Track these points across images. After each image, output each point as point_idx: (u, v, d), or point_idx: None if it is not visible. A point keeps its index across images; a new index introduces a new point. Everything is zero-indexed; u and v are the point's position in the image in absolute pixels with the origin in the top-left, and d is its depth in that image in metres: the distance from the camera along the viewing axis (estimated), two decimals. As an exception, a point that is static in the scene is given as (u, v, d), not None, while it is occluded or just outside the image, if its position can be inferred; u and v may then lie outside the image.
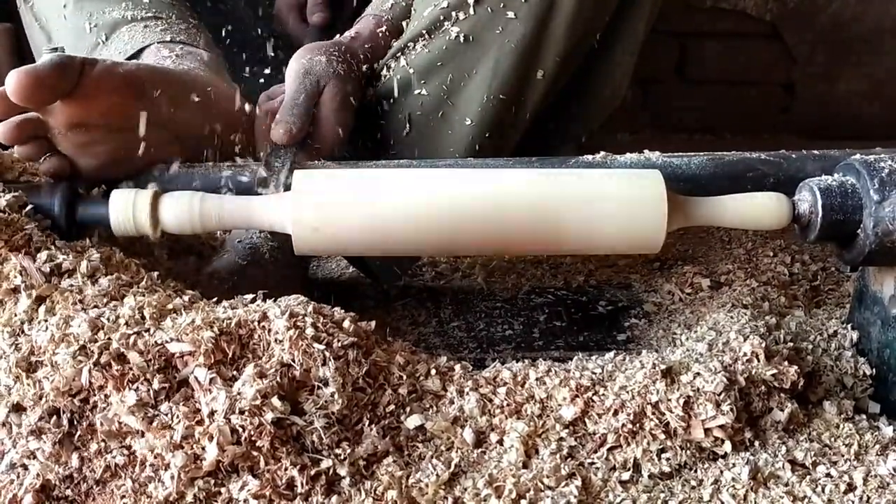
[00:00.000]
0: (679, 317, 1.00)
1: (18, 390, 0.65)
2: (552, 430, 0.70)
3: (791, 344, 0.83)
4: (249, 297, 0.74)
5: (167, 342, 0.66)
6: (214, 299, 0.74)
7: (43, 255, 0.73)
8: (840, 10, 1.86)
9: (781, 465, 0.70)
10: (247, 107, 0.92)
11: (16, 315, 0.69)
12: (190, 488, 0.63)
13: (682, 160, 0.86)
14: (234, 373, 0.67)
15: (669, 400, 0.70)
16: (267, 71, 1.10)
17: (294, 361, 0.67)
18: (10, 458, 0.64)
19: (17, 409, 0.65)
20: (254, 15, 1.22)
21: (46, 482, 0.64)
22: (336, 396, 0.67)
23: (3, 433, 0.65)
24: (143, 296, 0.72)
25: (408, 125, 0.97)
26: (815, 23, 1.87)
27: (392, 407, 0.70)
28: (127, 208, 0.76)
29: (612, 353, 0.77)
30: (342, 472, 0.66)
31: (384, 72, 0.98)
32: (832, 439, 0.74)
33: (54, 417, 0.65)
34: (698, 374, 0.72)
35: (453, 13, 0.94)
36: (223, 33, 1.11)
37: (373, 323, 0.74)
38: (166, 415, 0.65)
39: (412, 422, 0.70)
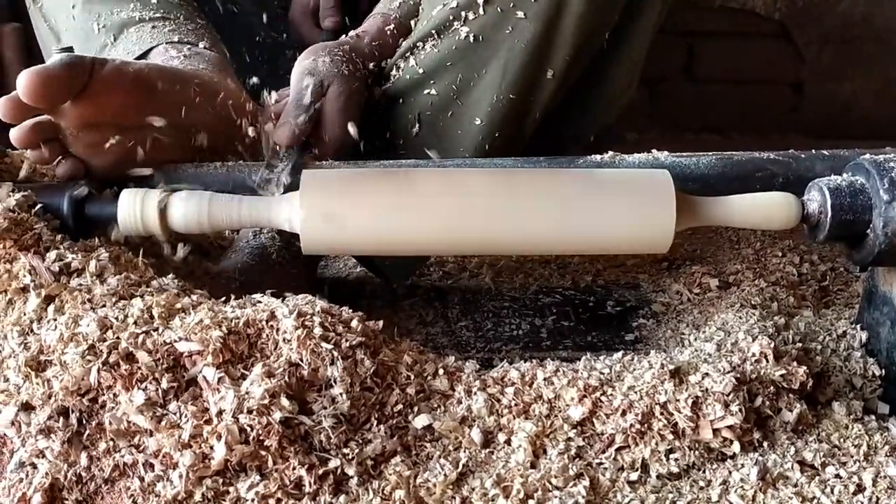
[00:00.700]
0: (687, 317, 1.00)
1: (27, 389, 0.66)
2: (560, 430, 0.70)
3: (800, 344, 0.82)
4: (258, 296, 0.74)
5: (176, 341, 0.67)
6: (223, 299, 0.74)
7: (52, 255, 0.73)
8: (849, 9, 1.86)
9: (790, 466, 0.70)
10: (253, 107, 0.92)
11: (25, 314, 0.70)
12: (198, 487, 0.63)
13: (690, 160, 0.85)
14: (243, 372, 0.67)
15: (678, 400, 0.70)
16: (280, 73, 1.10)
17: (302, 361, 0.67)
18: (19, 457, 0.65)
19: (27, 408, 0.65)
20: (261, 18, 1.22)
21: (55, 481, 0.64)
22: (344, 396, 0.67)
23: (13, 432, 0.65)
24: (152, 295, 0.72)
25: (417, 125, 0.97)
26: (824, 22, 1.87)
27: (400, 406, 0.70)
28: (136, 208, 0.76)
29: (620, 354, 0.77)
30: (350, 471, 0.66)
31: (393, 71, 0.98)
32: (841, 440, 0.73)
33: (63, 416, 0.65)
34: (707, 374, 0.72)
35: (463, 13, 0.94)
36: (232, 35, 1.11)
37: (380, 322, 0.74)
38: (175, 414, 0.65)
39: (420, 421, 0.70)
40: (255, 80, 0.96)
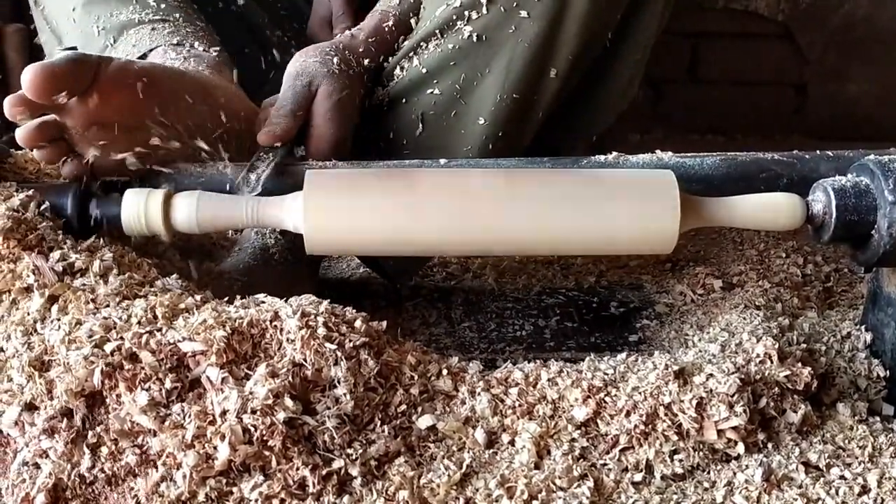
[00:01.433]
0: (691, 318, 1.00)
1: (31, 389, 0.66)
2: (564, 430, 0.70)
3: (804, 345, 0.82)
4: (261, 296, 0.74)
5: (179, 341, 0.66)
6: (226, 299, 0.74)
7: (56, 255, 0.73)
8: (852, 10, 1.85)
9: (795, 467, 0.70)
10: (252, 109, 0.92)
11: (28, 314, 0.70)
12: (202, 488, 0.63)
13: (694, 160, 0.85)
14: (247, 372, 0.67)
15: (682, 401, 0.70)
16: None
17: (306, 361, 0.67)
18: (22, 457, 0.64)
19: (30, 408, 0.65)
20: (264, 19, 1.22)
21: (59, 481, 0.64)
22: (348, 396, 0.67)
23: (16, 432, 0.65)
24: (156, 295, 0.72)
25: (420, 125, 0.97)
26: (827, 23, 1.86)
27: (403, 407, 0.70)
28: (139, 208, 0.76)
29: (624, 354, 0.77)
30: (354, 472, 0.66)
31: (396, 71, 0.98)
32: (846, 441, 0.73)
33: (66, 417, 0.65)
34: (711, 375, 0.72)
35: (466, 12, 0.94)
36: (233, 36, 1.11)
37: (384, 323, 0.74)
38: (178, 414, 0.65)
39: (424, 422, 0.70)
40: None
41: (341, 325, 0.70)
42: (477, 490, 0.66)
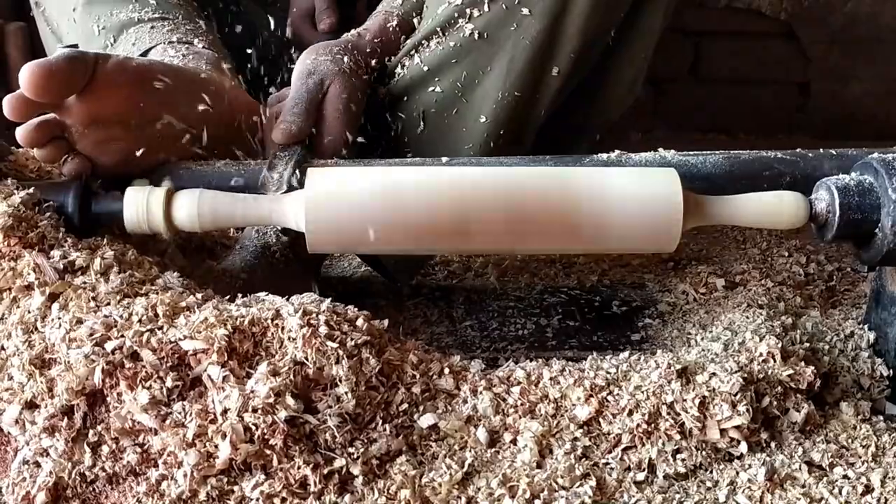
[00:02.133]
0: (694, 317, 0.99)
1: (32, 388, 0.65)
2: (566, 429, 0.70)
3: (807, 344, 0.82)
4: (262, 294, 0.74)
5: (180, 340, 0.66)
6: (227, 297, 0.74)
7: (56, 253, 0.73)
8: (855, 9, 1.85)
9: (798, 467, 0.70)
10: (253, 106, 0.92)
11: (29, 312, 0.69)
12: (203, 486, 0.63)
13: (697, 159, 0.85)
14: (248, 371, 0.66)
15: (685, 400, 0.70)
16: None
17: (307, 359, 0.67)
18: (23, 456, 0.64)
19: (31, 406, 0.65)
20: (265, 18, 1.22)
21: (59, 480, 0.64)
22: (349, 395, 0.67)
23: (17, 430, 0.65)
24: (157, 293, 0.72)
25: (422, 123, 0.97)
26: (830, 22, 1.86)
27: (405, 406, 0.70)
28: (141, 206, 0.76)
29: (626, 353, 0.77)
30: (355, 470, 0.66)
31: (398, 69, 0.98)
32: (849, 440, 0.73)
33: (67, 415, 0.65)
34: (714, 374, 0.72)
35: (468, 10, 0.94)
36: (235, 35, 1.11)
37: (386, 321, 0.73)
38: (179, 413, 0.65)
39: (425, 421, 0.70)
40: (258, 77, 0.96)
41: (343, 323, 0.70)
42: (479, 489, 0.66)
